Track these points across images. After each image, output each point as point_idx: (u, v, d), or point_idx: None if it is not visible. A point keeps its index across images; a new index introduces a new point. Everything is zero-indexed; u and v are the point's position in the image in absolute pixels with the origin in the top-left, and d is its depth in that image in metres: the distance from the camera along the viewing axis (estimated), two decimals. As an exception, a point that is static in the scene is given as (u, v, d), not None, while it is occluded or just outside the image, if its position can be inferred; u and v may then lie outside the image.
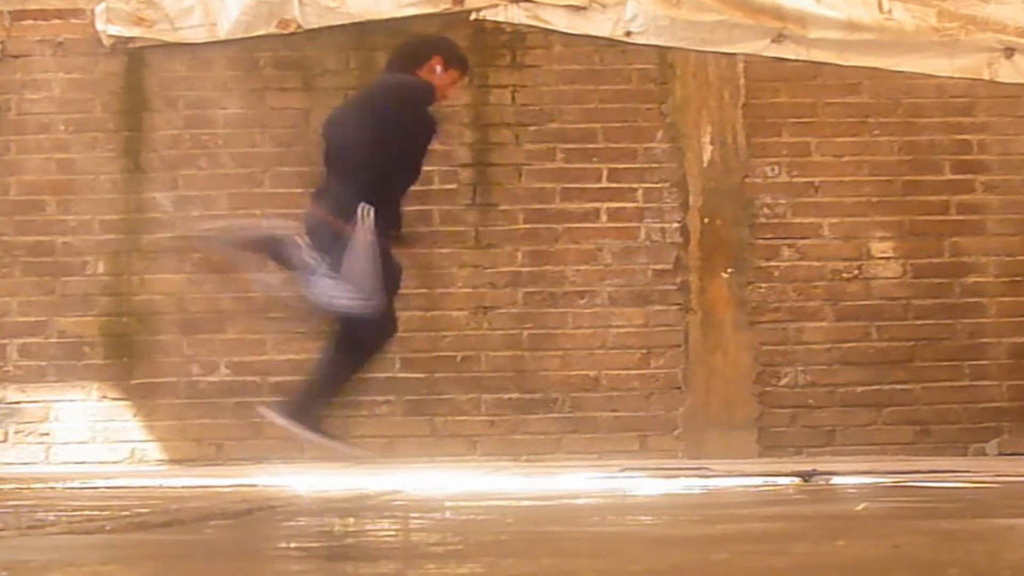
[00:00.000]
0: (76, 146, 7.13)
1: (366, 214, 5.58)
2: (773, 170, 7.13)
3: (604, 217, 7.03)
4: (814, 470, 4.73)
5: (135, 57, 7.17)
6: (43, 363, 7.04)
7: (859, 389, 7.01)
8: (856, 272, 7.08)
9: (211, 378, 7.03)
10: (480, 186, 7.09)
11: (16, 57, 7.17)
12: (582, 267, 7.02)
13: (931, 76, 7.15)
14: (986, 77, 7.14)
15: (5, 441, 7.03)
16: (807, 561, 2.09)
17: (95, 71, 7.16)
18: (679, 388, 7.01)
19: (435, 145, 6.18)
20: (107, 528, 2.76)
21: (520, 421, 6.99)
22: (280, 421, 5.88)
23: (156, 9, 7.12)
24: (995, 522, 2.86)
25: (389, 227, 5.80)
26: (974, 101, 7.16)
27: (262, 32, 7.13)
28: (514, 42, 7.12)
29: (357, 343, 5.83)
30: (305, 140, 7.15)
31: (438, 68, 6.01)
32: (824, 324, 7.05)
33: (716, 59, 7.14)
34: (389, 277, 5.72)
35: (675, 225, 7.08)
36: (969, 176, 7.13)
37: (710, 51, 7.13)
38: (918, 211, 7.11)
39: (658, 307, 7.05)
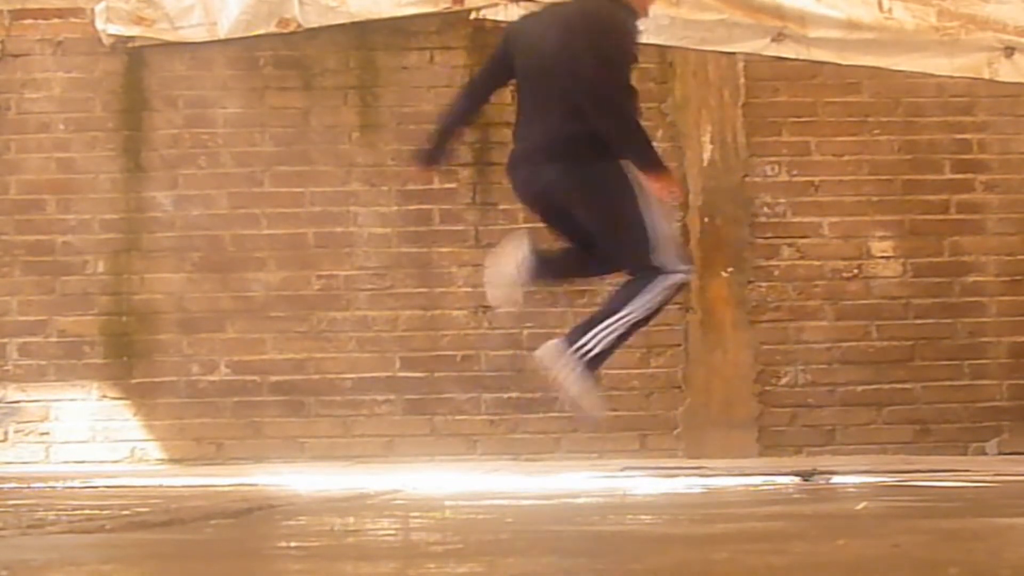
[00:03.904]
0: (76, 145, 7.13)
1: None
2: (773, 169, 7.13)
3: (604, 216, 7.03)
4: (814, 469, 4.73)
5: (135, 56, 7.17)
6: (43, 362, 7.05)
7: (859, 388, 7.01)
8: (856, 271, 7.08)
9: (211, 377, 7.03)
10: (480, 185, 7.09)
11: (16, 56, 7.17)
12: (582, 266, 7.01)
13: (931, 75, 7.14)
14: (986, 76, 7.13)
15: (5, 440, 7.03)
16: (807, 560, 2.09)
17: (95, 70, 7.17)
18: (679, 387, 7.01)
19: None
20: (107, 527, 2.76)
21: (520, 420, 6.99)
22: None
23: (156, 8, 7.12)
24: (995, 521, 2.86)
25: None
26: (974, 100, 7.16)
27: (262, 31, 7.13)
28: (514, 41, 7.10)
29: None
30: (305, 140, 7.16)
31: None
32: (824, 323, 7.05)
33: (716, 58, 7.14)
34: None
35: (675, 224, 7.07)
36: (969, 175, 7.13)
37: (710, 50, 7.13)
38: (918, 210, 7.11)
39: (658, 306, 7.04)
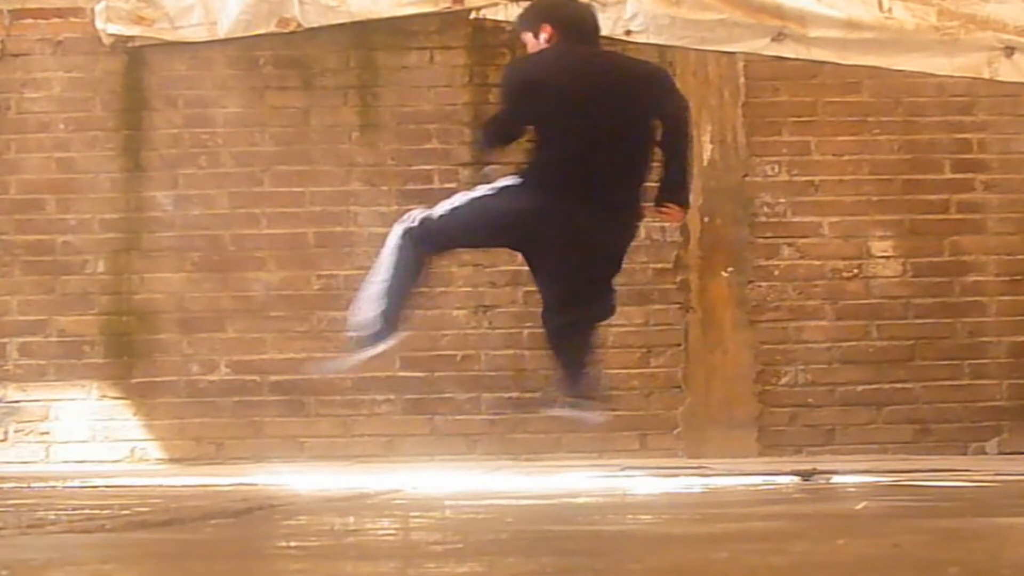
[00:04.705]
0: (76, 145, 7.13)
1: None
2: (773, 169, 7.13)
3: (604, 216, 7.03)
4: (814, 469, 4.73)
5: (135, 56, 7.17)
6: (43, 362, 7.04)
7: (859, 388, 7.01)
8: (856, 271, 7.08)
9: (211, 377, 7.03)
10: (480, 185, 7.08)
11: (16, 56, 7.17)
12: (582, 266, 7.00)
13: (931, 75, 7.14)
14: (986, 76, 7.13)
15: (5, 440, 7.03)
16: (807, 560, 2.09)
17: (95, 70, 7.16)
18: (679, 387, 7.01)
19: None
20: (107, 527, 2.76)
21: (520, 420, 6.99)
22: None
23: (156, 8, 7.12)
24: (995, 521, 2.86)
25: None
26: (974, 100, 7.16)
27: (262, 31, 7.13)
28: (514, 41, 7.08)
29: None
30: (305, 139, 7.15)
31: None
32: (824, 323, 7.05)
33: (716, 58, 7.14)
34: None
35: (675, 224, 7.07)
36: (969, 175, 7.13)
37: (710, 50, 7.13)
38: (918, 210, 7.11)
39: (658, 306, 7.05)
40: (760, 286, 7.07)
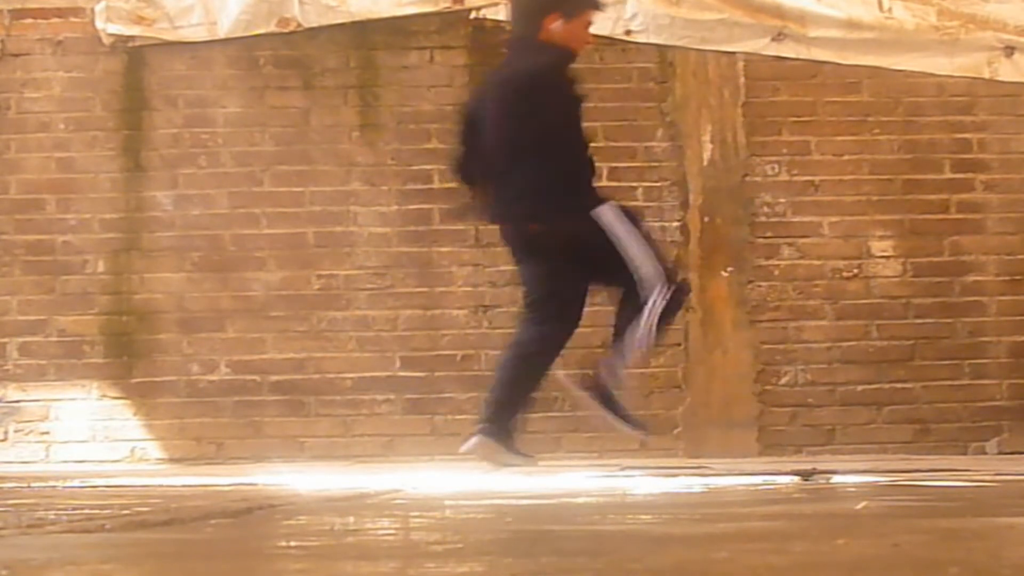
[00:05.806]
0: (76, 145, 7.13)
1: None
2: (773, 169, 7.13)
3: (604, 216, 7.02)
4: (814, 469, 4.73)
5: (135, 56, 7.17)
6: (43, 362, 7.05)
7: (859, 388, 7.01)
8: (856, 271, 7.08)
9: (211, 377, 7.03)
10: (480, 185, 7.08)
11: (16, 56, 7.17)
12: (582, 266, 7.00)
13: (931, 75, 7.14)
14: (986, 76, 7.13)
15: (5, 440, 7.03)
16: (807, 560, 2.09)
17: (95, 70, 7.17)
18: (679, 387, 7.00)
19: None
20: (107, 527, 2.76)
21: (519, 420, 6.97)
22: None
23: (156, 8, 7.12)
24: (995, 521, 2.86)
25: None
26: (974, 100, 7.16)
27: (262, 31, 7.13)
28: (514, 41, 7.10)
29: None
30: (305, 139, 7.16)
31: (557, 24, 5.52)
32: (824, 323, 7.05)
33: (716, 58, 7.14)
34: None
35: (675, 224, 7.07)
36: (969, 175, 7.13)
37: (710, 50, 7.13)
38: (918, 210, 7.11)
39: (658, 306, 7.04)
40: (760, 286, 7.07)
